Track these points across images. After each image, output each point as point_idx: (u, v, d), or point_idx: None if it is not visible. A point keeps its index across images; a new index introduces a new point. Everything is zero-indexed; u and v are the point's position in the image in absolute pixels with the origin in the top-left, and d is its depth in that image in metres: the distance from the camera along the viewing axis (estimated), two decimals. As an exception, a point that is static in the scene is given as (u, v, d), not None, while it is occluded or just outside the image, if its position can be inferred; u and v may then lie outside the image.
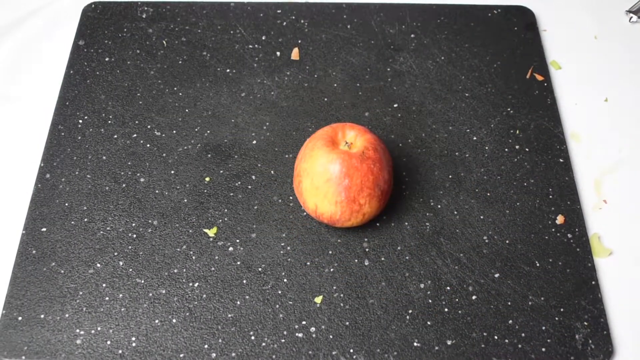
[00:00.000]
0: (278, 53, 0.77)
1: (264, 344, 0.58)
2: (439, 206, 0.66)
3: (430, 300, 0.60)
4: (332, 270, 0.62)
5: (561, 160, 0.69)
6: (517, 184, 0.67)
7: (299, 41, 0.78)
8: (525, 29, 0.80)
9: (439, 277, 0.62)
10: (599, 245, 0.64)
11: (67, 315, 0.59)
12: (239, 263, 0.62)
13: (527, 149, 0.70)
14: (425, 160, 0.69)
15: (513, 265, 0.63)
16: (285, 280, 0.61)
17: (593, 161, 0.70)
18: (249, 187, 0.67)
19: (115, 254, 0.63)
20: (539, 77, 0.75)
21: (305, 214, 0.65)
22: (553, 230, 0.65)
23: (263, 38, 0.78)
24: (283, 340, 0.58)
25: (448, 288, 0.61)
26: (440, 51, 0.78)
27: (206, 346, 0.58)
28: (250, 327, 0.59)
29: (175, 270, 0.62)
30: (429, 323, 0.59)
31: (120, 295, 0.60)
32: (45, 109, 0.73)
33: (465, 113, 0.73)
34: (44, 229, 0.64)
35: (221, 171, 0.68)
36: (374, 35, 0.78)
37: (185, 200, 0.66)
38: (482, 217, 0.65)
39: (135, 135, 0.71)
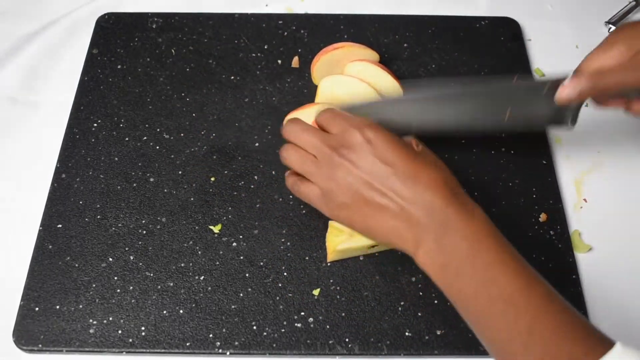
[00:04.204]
0: (279, 61, 0.77)
1: (265, 333, 0.58)
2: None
3: (421, 293, 0.60)
4: (329, 264, 0.62)
5: (544, 162, 0.69)
6: (503, 184, 0.67)
7: (299, 50, 0.78)
8: (511, 38, 0.80)
9: (430, 271, 0.61)
10: (579, 241, 0.64)
11: (81, 306, 0.59)
12: (242, 258, 0.62)
13: (512, 151, 0.69)
14: (417, 162, 0.69)
15: (499, 260, 0.62)
16: (285, 273, 0.61)
17: (574, 162, 0.70)
18: (252, 186, 0.67)
19: (126, 249, 0.63)
20: (524, 84, 0.75)
21: (304, 211, 0.65)
22: (536, 227, 0.64)
23: (265, 47, 0.78)
24: (283, 330, 0.58)
25: (438, 281, 0.61)
26: (431, 59, 0.77)
27: (211, 335, 0.58)
28: (252, 317, 0.59)
29: (182, 264, 0.62)
30: (419, 314, 0.59)
31: (131, 287, 0.60)
32: (61, 113, 0.73)
33: (455, 117, 0.72)
34: (60, 225, 0.64)
35: (226, 171, 0.68)
36: (369, 45, 0.78)
37: (192, 199, 0.66)
38: (470, 214, 0.65)
39: (145, 137, 0.70)
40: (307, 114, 0.67)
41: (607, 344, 0.43)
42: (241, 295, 0.60)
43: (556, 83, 0.58)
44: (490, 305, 0.46)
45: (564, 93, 0.57)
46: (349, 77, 0.69)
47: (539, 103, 0.58)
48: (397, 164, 0.50)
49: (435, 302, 0.59)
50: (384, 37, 0.79)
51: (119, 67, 0.76)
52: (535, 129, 0.62)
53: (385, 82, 0.68)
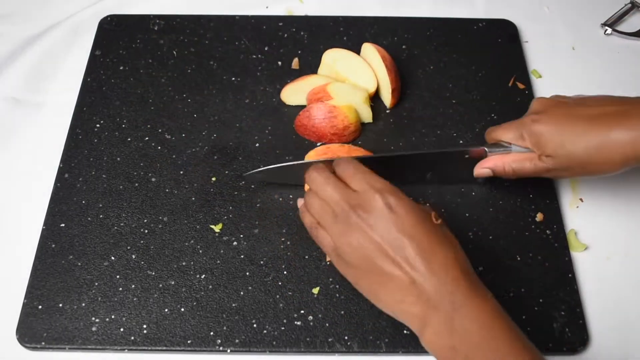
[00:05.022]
0: (279, 62, 0.77)
1: (265, 331, 0.58)
2: (428, 204, 0.65)
3: (419, 291, 0.60)
4: (328, 263, 0.62)
5: (541, 162, 0.69)
6: (500, 184, 0.67)
7: (299, 52, 0.78)
8: (508, 40, 0.80)
9: (428, 270, 0.61)
10: (575, 240, 0.64)
11: (83, 305, 0.59)
12: (242, 256, 0.62)
13: (509, 152, 0.69)
14: (415, 162, 0.69)
15: (496, 259, 0.62)
16: (285, 272, 0.61)
17: (570, 163, 0.70)
18: (252, 186, 0.67)
19: (128, 247, 0.63)
20: (521, 85, 0.75)
21: (304, 211, 0.65)
22: (533, 226, 0.64)
23: (266, 49, 0.78)
24: (283, 328, 0.58)
25: (436, 280, 0.61)
26: (429, 61, 0.77)
27: (212, 333, 0.58)
28: (252, 315, 0.59)
29: (184, 263, 0.62)
30: (417, 312, 0.59)
31: (133, 286, 0.60)
32: (64, 114, 0.73)
33: (453, 118, 0.72)
34: (63, 225, 0.64)
35: (226, 171, 0.68)
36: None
37: (193, 199, 0.66)
38: (467, 214, 0.65)
39: (147, 138, 0.70)
40: (305, 84, 0.70)
41: None
42: (242, 293, 0.60)
43: (477, 152, 0.63)
44: None
45: (480, 172, 0.63)
46: (352, 53, 0.72)
47: (457, 167, 0.64)
48: (415, 236, 0.48)
49: (433, 300, 0.59)
50: (383, 38, 0.79)
51: (121, 68, 0.76)
52: (456, 183, 0.67)
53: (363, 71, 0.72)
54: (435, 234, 0.49)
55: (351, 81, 0.71)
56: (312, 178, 0.55)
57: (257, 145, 0.70)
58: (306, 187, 0.59)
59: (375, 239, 0.49)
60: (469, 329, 0.46)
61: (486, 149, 0.63)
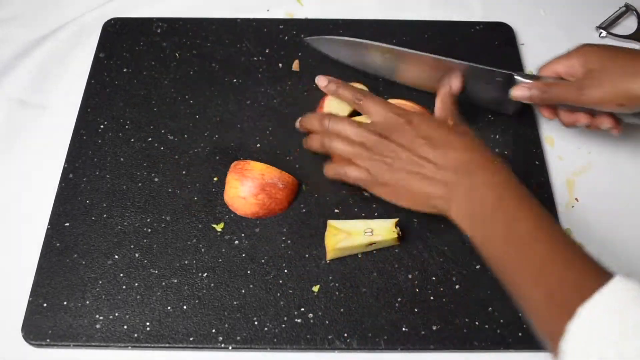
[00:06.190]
0: (280, 65, 0.77)
1: (266, 328, 0.58)
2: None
3: (417, 289, 0.60)
4: (328, 262, 0.62)
5: (537, 162, 0.69)
6: (497, 183, 0.67)
7: (300, 54, 0.78)
8: (505, 43, 0.80)
9: (426, 268, 0.61)
10: (571, 239, 0.64)
11: (87, 302, 0.59)
12: (244, 255, 0.62)
13: (506, 152, 0.69)
14: (414, 162, 0.69)
15: (493, 257, 0.62)
16: (285, 270, 0.61)
17: (566, 163, 0.70)
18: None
19: (132, 246, 0.63)
20: (517, 87, 0.75)
21: (304, 210, 0.65)
22: (529, 225, 0.64)
23: (267, 51, 0.78)
24: (283, 326, 0.58)
25: (434, 278, 0.61)
26: (427, 63, 0.77)
27: (214, 330, 0.58)
28: (253, 313, 0.59)
29: (186, 262, 0.62)
30: (416, 310, 0.59)
31: (136, 284, 0.60)
32: (69, 115, 0.73)
33: (450, 119, 0.72)
34: (67, 224, 0.64)
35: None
36: (367, 49, 0.78)
37: (196, 198, 0.66)
38: (464, 213, 0.65)
39: (150, 139, 0.70)
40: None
41: (609, 275, 0.44)
42: (243, 291, 0.60)
43: (509, 76, 0.66)
44: (508, 245, 0.50)
45: (518, 92, 0.65)
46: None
47: (490, 87, 0.68)
48: (432, 137, 0.57)
49: (431, 298, 0.59)
50: (382, 41, 0.79)
51: (124, 70, 0.76)
52: (483, 106, 0.71)
53: None
54: (450, 130, 0.58)
55: None
56: (333, 124, 0.61)
57: (258, 145, 0.70)
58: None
59: (403, 151, 0.57)
60: (484, 196, 0.53)
61: (515, 75, 0.65)
